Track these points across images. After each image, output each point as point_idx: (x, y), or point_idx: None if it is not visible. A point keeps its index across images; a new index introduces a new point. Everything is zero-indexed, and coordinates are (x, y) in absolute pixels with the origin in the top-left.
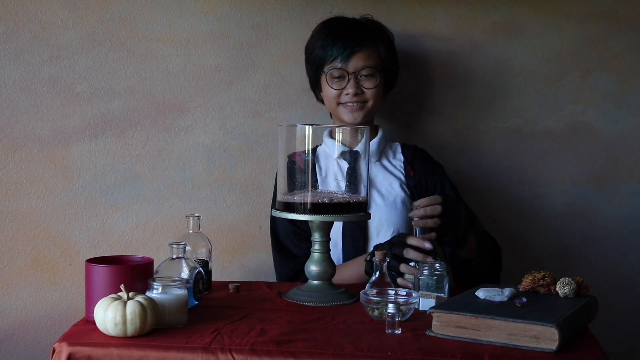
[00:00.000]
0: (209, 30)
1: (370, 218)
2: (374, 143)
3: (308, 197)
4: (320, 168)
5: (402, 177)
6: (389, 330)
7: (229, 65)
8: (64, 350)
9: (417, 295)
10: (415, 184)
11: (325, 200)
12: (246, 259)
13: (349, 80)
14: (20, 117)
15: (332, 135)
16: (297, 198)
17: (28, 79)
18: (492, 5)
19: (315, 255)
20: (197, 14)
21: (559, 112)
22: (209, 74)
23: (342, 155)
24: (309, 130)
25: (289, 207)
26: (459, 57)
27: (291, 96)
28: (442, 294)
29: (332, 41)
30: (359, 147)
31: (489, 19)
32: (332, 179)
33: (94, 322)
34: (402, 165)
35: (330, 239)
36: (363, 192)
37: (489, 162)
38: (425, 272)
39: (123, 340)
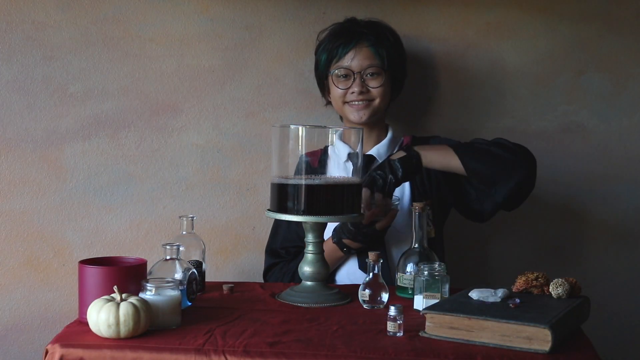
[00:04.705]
0: (202, 30)
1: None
2: (383, 145)
3: (302, 197)
4: (327, 168)
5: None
6: (390, 332)
7: (223, 66)
8: (57, 352)
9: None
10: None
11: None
12: (240, 260)
13: (354, 80)
14: (13, 118)
15: (343, 138)
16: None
17: (21, 79)
18: (485, 6)
19: (309, 256)
20: (190, 15)
21: (552, 112)
22: (202, 75)
23: (350, 157)
24: (302, 131)
25: (282, 207)
26: (452, 58)
27: (284, 97)
28: (444, 295)
29: (338, 42)
30: (371, 151)
31: (482, 19)
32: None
33: (87, 324)
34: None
35: (324, 240)
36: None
37: None
38: (426, 273)
39: (116, 342)
